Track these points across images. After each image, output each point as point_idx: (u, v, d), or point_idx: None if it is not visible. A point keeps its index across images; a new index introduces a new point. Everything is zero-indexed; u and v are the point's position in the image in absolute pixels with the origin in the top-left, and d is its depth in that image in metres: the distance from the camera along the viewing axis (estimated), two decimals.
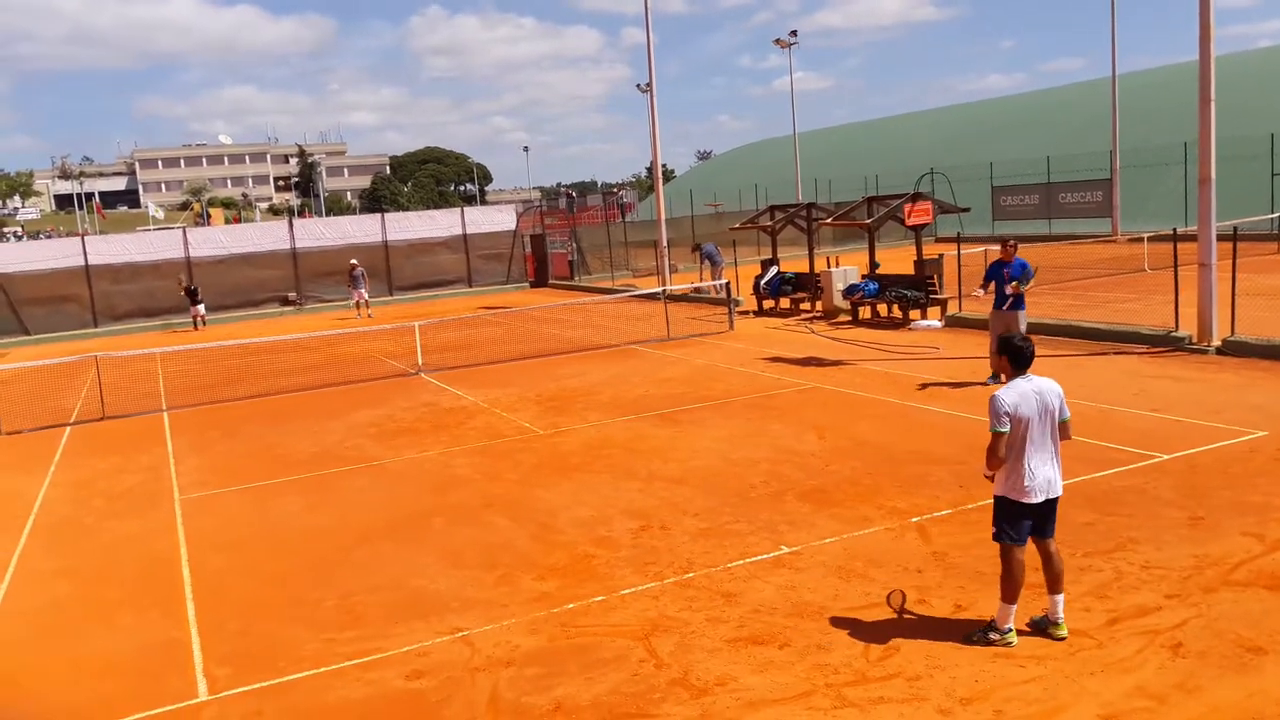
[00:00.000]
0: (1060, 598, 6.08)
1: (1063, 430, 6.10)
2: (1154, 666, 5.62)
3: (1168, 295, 15.76)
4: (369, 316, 30.78)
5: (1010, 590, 6.00)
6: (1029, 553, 6.07)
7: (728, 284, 22.70)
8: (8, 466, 13.62)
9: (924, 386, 13.53)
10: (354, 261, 33.32)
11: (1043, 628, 6.10)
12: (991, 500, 8.54)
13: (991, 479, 6.12)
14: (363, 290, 31.99)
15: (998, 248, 13.56)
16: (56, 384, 19.69)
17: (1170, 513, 8.04)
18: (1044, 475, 5.97)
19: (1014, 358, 6.05)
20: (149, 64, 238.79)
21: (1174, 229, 16.95)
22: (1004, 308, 13.24)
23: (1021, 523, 6.00)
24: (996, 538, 6.08)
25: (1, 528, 10.51)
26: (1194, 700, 5.26)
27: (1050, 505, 6.06)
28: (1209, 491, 8.48)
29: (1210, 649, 5.76)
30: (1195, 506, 8.13)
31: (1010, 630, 5.98)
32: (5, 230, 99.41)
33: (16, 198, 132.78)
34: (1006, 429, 5.87)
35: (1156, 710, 5.20)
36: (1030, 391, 5.97)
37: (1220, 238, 14.81)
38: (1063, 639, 5.99)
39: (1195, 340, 14.74)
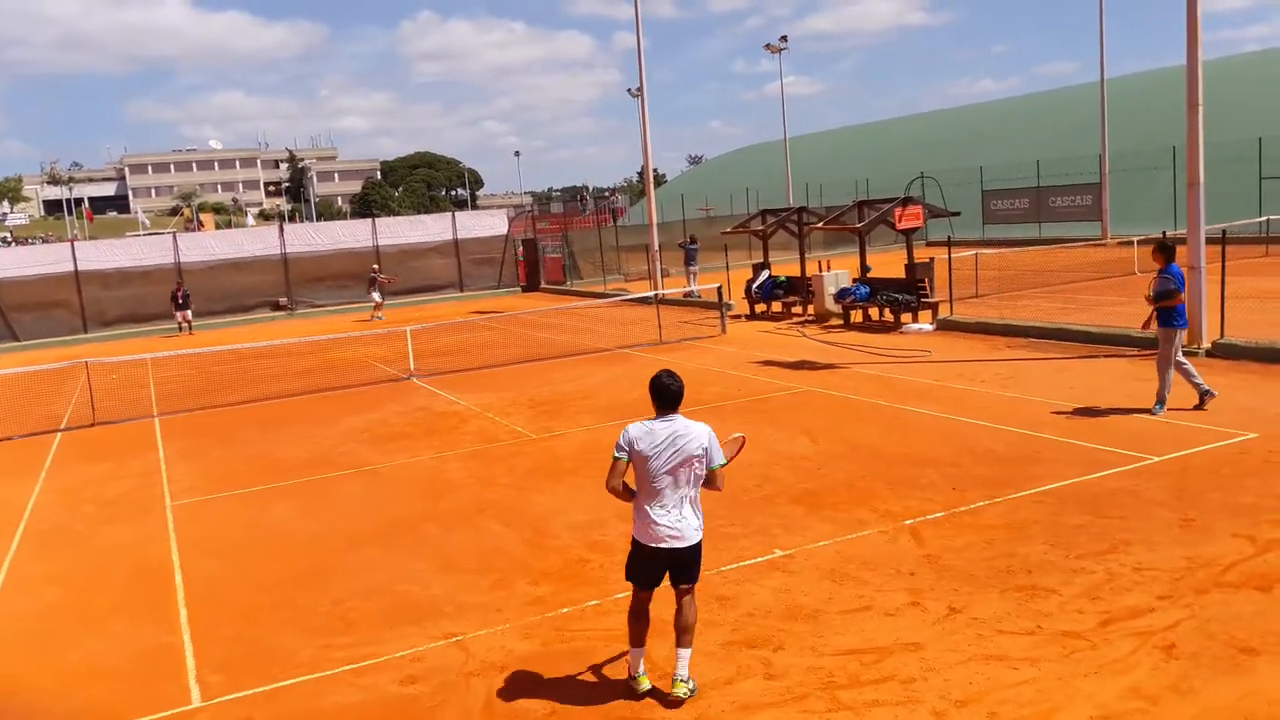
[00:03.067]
0: (685, 653, 5.66)
1: (709, 481, 5.68)
2: (1147, 668, 5.64)
3: None
4: (376, 319, 30.92)
5: (632, 632, 5.75)
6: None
7: (720, 288, 22.73)
8: None
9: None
10: (375, 266, 33.64)
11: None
12: (981, 504, 8.62)
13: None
14: (379, 294, 32.18)
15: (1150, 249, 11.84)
16: (46, 390, 19.61)
17: (1162, 514, 8.07)
18: (667, 522, 5.57)
19: (656, 395, 5.66)
20: (139, 69, 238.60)
21: (1163, 232, 17.10)
22: (1178, 323, 11.38)
23: (642, 566, 5.70)
24: (627, 577, 5.84)
25: None
26: (1187, 701, 5.27)
27: (680, 555, 5.62)
28: (1200, 493, 8.52)
29: (1203, 650, 5.78)
30: (1187, 508, 8.17)
31: (640, 675, 5.70)
32: None
33: (5, 203, 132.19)
34: (622, 456, 5.62)
35: (1150, 711, 5.21)
36: (661, 430, 5.56)
37: (1209, 241, 14.87)
38: (679, 698, 5.56)
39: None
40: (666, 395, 5.64)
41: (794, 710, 5.53)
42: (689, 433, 5.57)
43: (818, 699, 5.62)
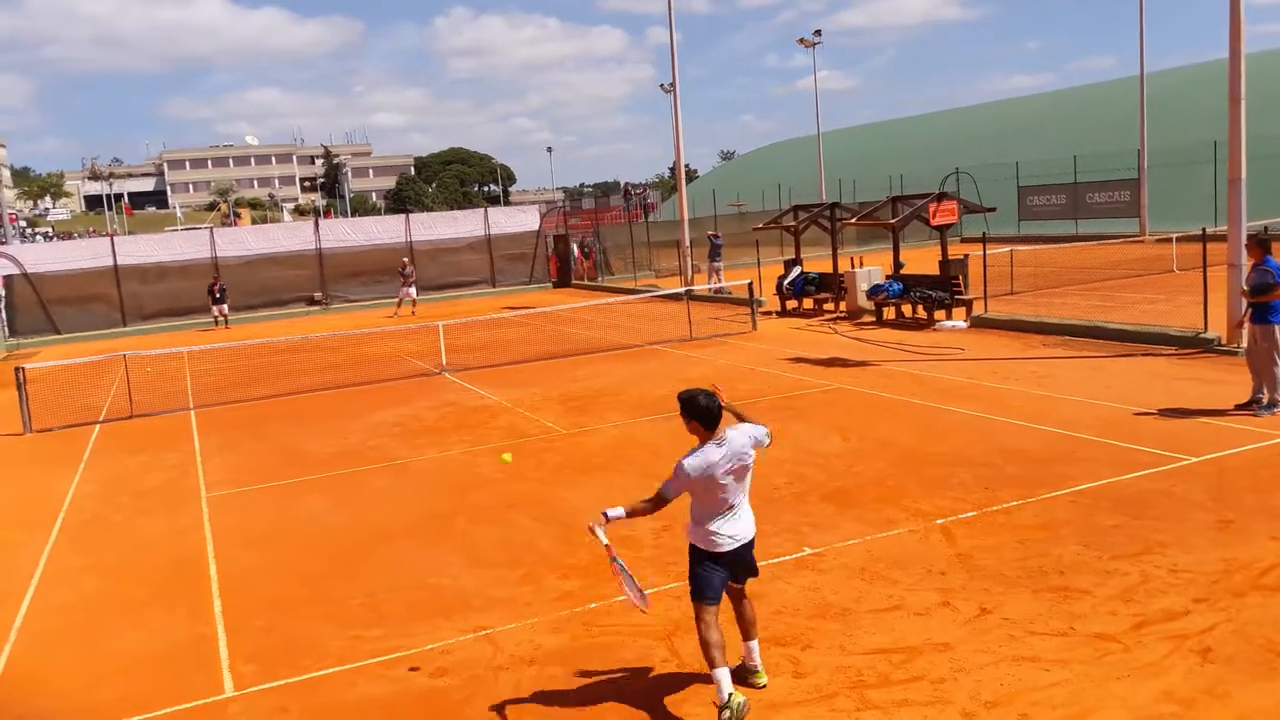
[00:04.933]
0: (754, 644, 5.83)
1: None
2: (1182, 671, 5.56)
3: (1196, 296, 15.59)
4: (398, 316, 31.02)
5: (713, 653, 5.45)
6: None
7: (751, 284, 22.65)
8: (38, 464, 13.79)
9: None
10: (405, 260, 33.84)
11: (741, 677, 5.73)
12: (1013, 503, 8.53)
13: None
14: (411, 290, 32.29)
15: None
16: (85, 382, 19.92)
17: (1198, 516, 7.95)
18: (738, 529, 5.66)
19: (704, 418, 5.57)
20: (176, 66, 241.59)
21: (1203, 229, 16.75)
22: (1275, 319, 10.96)
23: (713, 575, 5.60)
24: (694, 596, 5.64)
25: (31, 525, 10.65)
26: (1222, 706, 5.20)
27: (746, 549, 5.71)
28: (1238, 494, 8.38)
29: (1239, 654, 5.69)
30: (1224, 510, 8.04)
31: (731, 694, 5.35)
32: (37, 231, 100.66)
33: (48, 199, 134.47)
34: (672, 497, 5.58)
35: (1184, 716, 5.14)
36: (719, 458, 5.51)
37: (1250, 238, 14.61)
38: (763, 686, 5.73)
39: (1224, 342, 14.55)
40: (713, 416, 5.59)
41: (822, 709, 5.51)
42: (739, 441, 5.68)
43: (846, 698, 5.59)
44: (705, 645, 5.48)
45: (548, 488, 10.40)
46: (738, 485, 5.62)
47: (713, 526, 5.60)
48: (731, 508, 5.62)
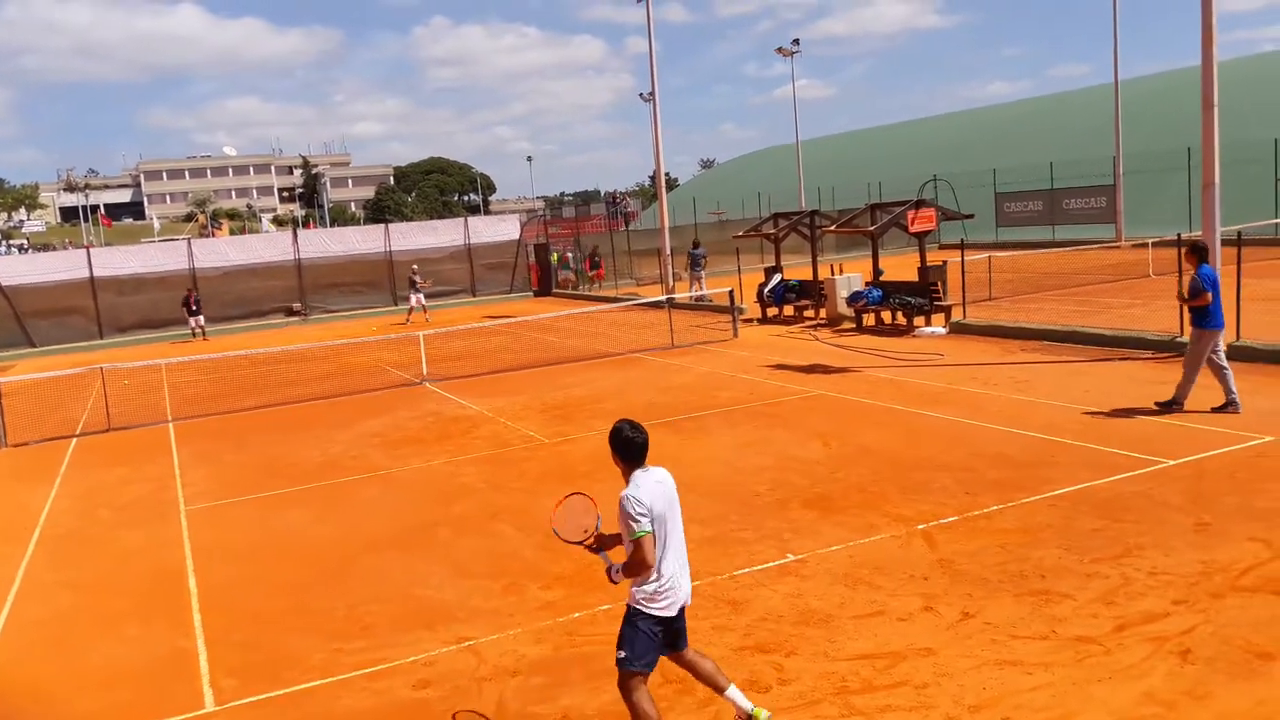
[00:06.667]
0: (733, 689, 5.31)
1: None
2: (1162, 673, 5.60)
3: (1172, 300, 15.72)
4: (410, 322, 30.94)
5: None
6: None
7: (731, 291, 22.71)
8: (14, 478, 13.65)
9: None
10: (414, 267, 33.72)
11: None
12: (994, 508, 8.58)
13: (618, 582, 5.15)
14: (420, 295, 32.12)
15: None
16: (62, 396, 19.74)
17: (1177, 518, 8.02)
18: (686, 577, 5.16)
19: (625, 450, 5.09)
20: (154, 76, 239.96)
21: (1178, 234, 16.99)
22: (1208, 324, 11.35)
23: (655, 642, 5.08)
24: (624, 664, 5.04)
25: (8, 539, 10.53)
26: (1203, 707, 5.24)
27: (683, 613, 5.21)
28: (1216, 497, 8.46)
29: (1219, 655, 5.74)
30: (1202, 512, 8.11)
31: None
32: (11, 243, 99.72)
33: (22, 210, 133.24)
34: (651, 529, 4.91)
35: (1165, 717, 5.18)
36: (654, 484, 5.03)
37: (1224, 243, 14.74)
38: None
39: None
40: (636, 449, 5.09)
41: (807, 716, 5.51)
42: (667, 476, 5.20)
43: (830, 704, 5.60)
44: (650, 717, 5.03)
45: (530, 497, 10.37)
46: (674, 523, 5.10)
47: (675, 575, 5.08)
48: (675, 549, 5.10)
